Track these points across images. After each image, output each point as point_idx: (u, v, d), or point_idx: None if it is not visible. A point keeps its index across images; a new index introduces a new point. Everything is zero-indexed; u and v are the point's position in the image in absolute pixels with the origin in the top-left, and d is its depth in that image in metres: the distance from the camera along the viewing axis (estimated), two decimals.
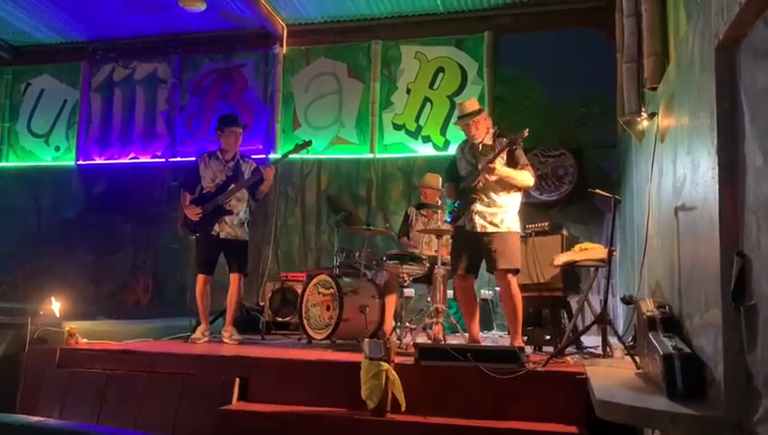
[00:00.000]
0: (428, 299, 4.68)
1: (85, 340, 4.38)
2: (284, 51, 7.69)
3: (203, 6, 6.20)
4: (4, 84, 8.61)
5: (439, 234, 4.67)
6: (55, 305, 4.32)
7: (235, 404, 3.64)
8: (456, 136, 7.09)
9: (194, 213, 5.00)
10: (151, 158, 7.98)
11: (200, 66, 8.03)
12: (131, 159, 8.04)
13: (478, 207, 4.11)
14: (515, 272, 4.13)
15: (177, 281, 7.52)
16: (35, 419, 1.39)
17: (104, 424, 3.83)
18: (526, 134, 3.97)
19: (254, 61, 7.88)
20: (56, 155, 8.34)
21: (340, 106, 7.57)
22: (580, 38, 6.76)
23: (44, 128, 8.44)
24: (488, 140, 4.24)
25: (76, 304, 5.31)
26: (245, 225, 5.19)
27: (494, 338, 5.59)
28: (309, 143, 5.22)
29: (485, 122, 4.29)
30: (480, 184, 4.10)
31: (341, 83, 7.60)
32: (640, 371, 3.06)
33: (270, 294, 6.12)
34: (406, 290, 5.25)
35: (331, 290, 4.85)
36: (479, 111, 4.26)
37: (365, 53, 7.57)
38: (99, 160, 8.16)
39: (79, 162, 8.21)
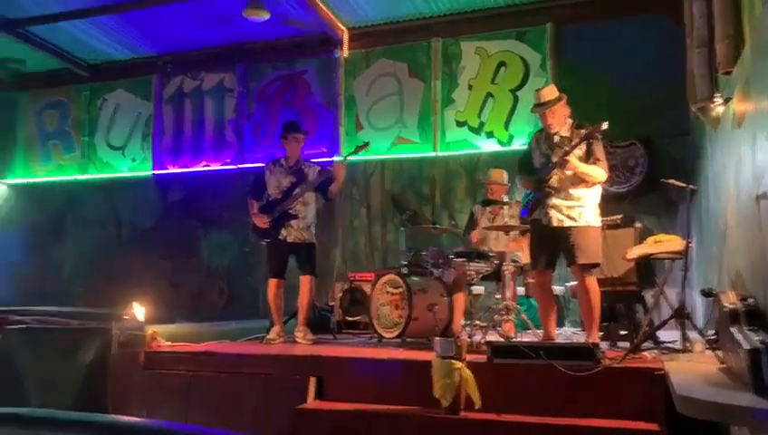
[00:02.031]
0: (498, 296, 4.65)
1: (168, 342, 4.58)
2: (345, 54, 7.79)
3: (267, 16, 6.36)
4: (82, 101, 9.07)
5: (507, 230, 4.63)
6: (138, 310, 4.53)
7: (312, 403, 3.73)
8: (521, 130, 7.02)
9: (261, 220, 5.15)
10: (222, 165, 8.25)
11: (265, 74, 8.24)
12: (203, 166, 8.33)
13: (554, 200, 4.01)
14: (595, 267, 4.03)
15: (249, 284, 7.74)
16: (131, 419, 1.49)
17: (189, 424, 4.01)
18: (604, 127, 3.84)
19: (317, 66, 8.01)
20: (133, 166, 8.72)
21: (402, 106, 7.60)
22: (645, 25, 6.55)
23: (121, 140, 8.84)
24: (565, 132, 4.11)
25: (155, 308, 5.55)
26: (312, 228, 5.30)
27: (567, 335, 5.50)
28: (367, 144, 5.31)
29: (563, 112, 4.13)
30: (555, 177, 4.02)
31: (402, 83, 7.64)
32: (724, 365, 2.96)
33: (340, 295, 6.23)
34: (474, 287, 5.24)
35: (400, 289, 4.90)
36: (557, 100, 4.11)
37: (425, 51, 7.58)
38: (172, 169, 8.49)
39: (154, 172, 8.57)
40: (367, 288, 5.87)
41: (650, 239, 4.35)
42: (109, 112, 8.95)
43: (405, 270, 5.20)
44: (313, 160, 5.91)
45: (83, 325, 5.03)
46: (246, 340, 5.18)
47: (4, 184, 9.25)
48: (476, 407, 3.25)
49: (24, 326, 5.08)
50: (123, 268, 8.38)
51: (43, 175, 9.15)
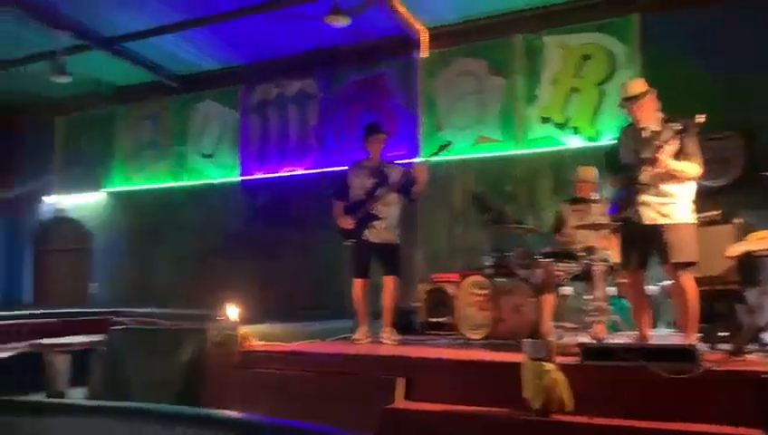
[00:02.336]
0: (587, 297, 4.53)
1: (260, 342, 4.74)
2: (424, 55, 7.80)
3: (347, 21, 6.47)
4: (174, 111, 9.52)
5: (596, 228, 4.50)
6: (232, 311, 4.70)
7: (400, 403, 3.76)
8: (608, 125, 6.79)
9: (346, 222, 5.24)
10: (305, 169, 8.44)
11: (345, 79, 8.38)
12: (288, 171, 8.56)
13: (645, 196, 3.86)
14: (691, 266, 3.86)
15: (334, 284, 7.87)
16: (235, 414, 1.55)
17: None
18: (700, 120, 3.66)
19: (396, 68, 8.07)
20: (222, 172, 9.08)
21: (483, 104, 7.53)
22: (737, 9, 6.19)
23: (210, 148, 9.22)
24: (655, 126, 3.94)
25: (246, 309, 5.75)
26: (395, 228, 5.34)
27: (663, 336, 5.27)
28: (448, 144, 5.31)
29: (653, 106, 3.98)
30: (645, 173, 3.87)
31: (482, 81, 7.57)
32: None
33: (423, 295, 6.24)
34: (562, 288, 5.12)
35: (486, 290, 4.86)
36: (646, 93, 3.96)
37: (505, 48, 7.48)
38: (259, 175, 8.77)
39: (242, 177, 8.88)
40: (451, 289, 5.86)
41: (753, 236, 4.11)
42: (198, 122, 9.35)
43: (490, 271, 5.15)
44: (398, 161, 5.97)
45: (181, 326, 5.27)
46: (334, 340, 5.27)
47: (105, 192, 9.82)
48: (568, 410, 3.18)
49: (125, 327, 5.39)
50: (215, 271, 8.72)
51: (140, 183, 9.67)
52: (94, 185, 9.86)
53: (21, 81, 9.42)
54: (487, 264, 5.26)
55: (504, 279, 5.07)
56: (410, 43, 7.79)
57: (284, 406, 4.22)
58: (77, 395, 6.34)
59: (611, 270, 4.74)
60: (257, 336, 4.80)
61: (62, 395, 6.26)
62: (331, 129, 8.42)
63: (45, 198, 10.24)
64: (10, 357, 6.89)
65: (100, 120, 10.04)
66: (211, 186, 9.12)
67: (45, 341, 6.59)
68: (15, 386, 6.29)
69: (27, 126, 10.72)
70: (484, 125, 7.49)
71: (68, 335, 7.26)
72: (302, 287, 8.27)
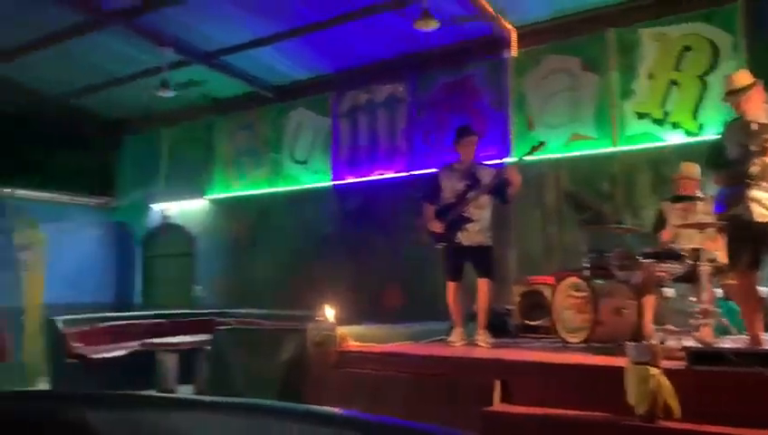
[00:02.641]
0: (692, 299, 4.33)
1: (355, 343, 4.85)
2: (514, 54, 7.71)
3: (436, 25, 6.50)
4: (269, 120, 9.88)
5: (702, 227, 4.30)
6: (329, 312, 4.84)
7: (497, 406, 3.75)
8: (711, 119, 6.46)
9: (437, 225, 5.27)
10: (395, 172, 8.54)
11: (434, 82, 8.40)
12: (378, 175, 8.69)
13: (755, 192, 3.67)
14: None
15: (426, 286, 7.91)
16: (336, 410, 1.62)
17: None
18: None
19: (485, 69, 8.01)
20: (315, 177, 9.33)
21: (576, 101, 7.35)
22: None
23: (304, 154, 9.50)
24: (764, 118, 3.76)
25: (339, 310, 5.89)
26: (488, 231, 5.32)
27: None
28: (542, 144, 5.23)
29: (760, 98, 3.80)
30: (755, 167, 3.67)
31: (575, 78, 7.39)
32: None
33: (518, 298, 6.16)
34: (665, 290, 4.92)
35: (584, 292, 4.74)
36: (752, 85, 3.80)
37: (598, 43, 7.26)
38: (350, 179, 8.95)
39: (334, 182, 9.09)
40: (546, 291, 5.76)
41: None
42: (292, 129, 9.65)
43: (587, 272, 5.02)
44: (489, 162, 5.95)
45: (282, 326, 5.48)
46: (428, 342, 5.31)
47: (207, 199, 10.32)
48: (675, 416, 3.06)
49: (229, 327, 5.65)
50: (309, 273, 8.97)
51: (238, 189, 10.09)
52: (197, 192, 10.38)
53: (130, 96, 10.08)
54: (585, 265, 5.14)
55: (603, 281, 4.93)
56: (499, 43, 7.72)
57: (380, 406, 4.29)
58: (185, 392, 6.72)
59: (718, 271, 4.52)
60: (354, 337, 4.91)
61: (171, 392, 6.65)
62: (420, 132, 8.47)
63: (153, 206, 10.88)
64: (124, 355, 7.40)
65: (201, 131, 10.57)
66: (305, 191, 9.38)
67: (156, 340, 7.02)
68: (128, 382, 6.75)
69: (136, 138, 11.44)
70: (578, 123, 7.31)
71: (175, 335, 7.70)
72: (394, 289, 8.36)
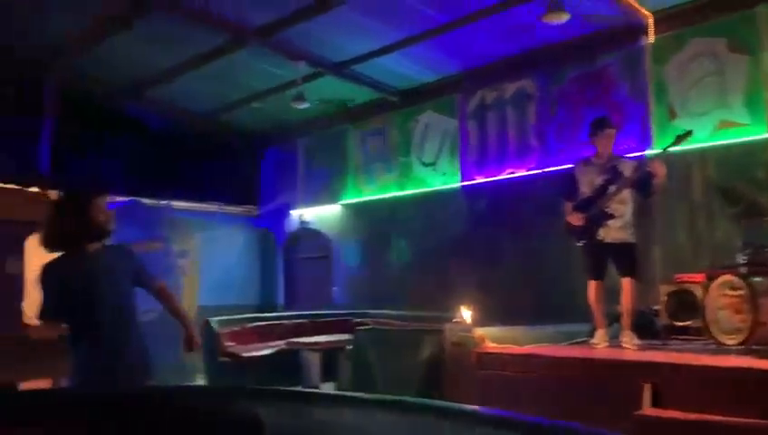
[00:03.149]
0: None
1: (493, 344, 4.83)
2: (652, 41, 7.31)
3: (566, 17, 6.31)
4: (397, 125, 10.07)
5: None
6: (466, 313, 4.86)
7: (648, 410, 3.58)
8: None
9: (576, 221, 5.11)
10: (527, 171, 8.38)
11: (565, 75, 8.16)
12: (509, 174, 8.58)
13: None
14: None
15: (562, 287, 7.69)
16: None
17: None
18: None
19: (620, 58, 7.66)
20: (443, 179, 9.37)
21: (723, 86, 6.83)
22: None
23: (432, 157, 9.58)
24: None
25: (474, 312, 5.88)
26: (631, 227, 5.09)
27: None
28: (689, 133, 4.92)
29: None
30: None
31: (721, 61, 6.86)
32: None
33: (665, 297, 5.83)
34: None
35: (740, 291, 4.41)
36: None
37: (747, 21, 6.70)
38: (479, 180, 8.90)
39: (462, 183, 9.09)
40: (696, 290, 5.41)
41: None
42: (420, 132, 9.77)
43: (744, 269, 4.66)
44: (629, 155, 5.70)
45: (419, 327, 5.57)
46: (569, 343, 5.18)
47: (341, 204, 10.70)
48: None
49: (369, 327, 5.83)
50: (441, 274, 9.03)
51: (370, 194, 10.36)
52: (331, 197, 10.80)
53: (269, 109, 10.69)
54: (740, 261, 4.77)
55: (762, 278, 4.55)
56: (634, 30, 7.35)
57: (521, 409, 4.25)
58: (328, 389, 7.01)
59: None
60: (490, 338, 4.90)
61: (315, 389, 6.97)
62: (552, 127, 8.25)
63: (292, 212, 11.45)
64: (270, 354, 7.84)
65: (333, 139, 10.98)
66: (434, 193, 9.45)
67: (300, 340, 7.39)
68: (275, 380, 7.15)
69: (276, 149, 12.10)
70: (726, 109, 6.78)
71: (317, 335, 8.05)
72: (528, 290, 8.20)
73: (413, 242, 9.65)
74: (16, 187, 7.94)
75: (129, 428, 1.82)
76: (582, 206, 5.13)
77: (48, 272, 3.08)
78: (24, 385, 6.76)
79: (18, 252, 8.54)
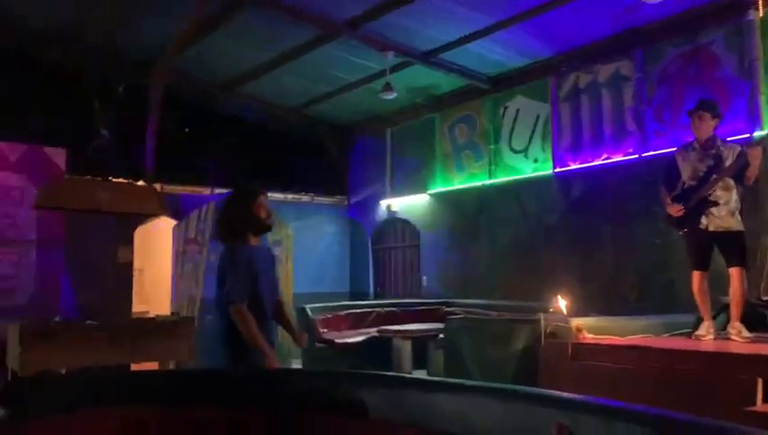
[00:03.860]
0: None
1: (590, 335, 4.70)
2: (761, 14, 6.82)
3: None
4: (486, 112, 9.93)
5: None
6: (562, 303, 4.76)
7: (762, 406, 3.39)
8: None
9: (676, 210, 4.88)
10: (624, 156, 8.06)
11: (664, 54, 7.76)
12: (604, 159, 8.28)
13: None
14: None
15: (662, 277, 7.38)
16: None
17: None
18: None
19: (724, 35, 7.20)
20: (535, 166, 9.17)
21: None
22: None
23: (523, 144, 9.39)
24: None
25: (569, 301, 5.74)
26: (737, 214, 4.81)
27: None
28: None
29: None
30: None
31: None
32: None
33: None
34: None
35: None
36: None
37: None
38: (573, 166, 8.65)
39: (555, 170, 8.85)
40: None
41: None
42: (510, 119, 9.59)
43: None
44: (729, 139, 5.37)
45: (513, 317, 5.50)
46: (670, 335, 4.96)
47: (429, 193, 10.70)
48: None
49: (461, 316, 5.82)
50: (533, 264, 8.89)
51: (459, 183, 10.29)
52: (419, 187, 10.82)
53: (357, 101, 10.84)
54: None
55: None
56: (741, 4, 6.90)
57: (621, 401, 4.12)
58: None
59: None
60: (588, 329, 4.77)
61: None
62: (650, 110, 7.88)
63: (381, 202, 11.57)
64: (363, 341, 7.99)
65: (420, 128, 10.98)
66: (525, 180, 9.27)
67: (391, 327, 7.48)
68: (367, 366, 7.28)
69: (364, 140, 12.25)
70: None
71: (407, 323, 8.13)
72: (625, 279, 7.92)
73: (504, 231, 9.52)
74: (125, 181, 8.44)
75: (256, 403, 1.92)
76: (683, 195, 4.89)
77: (244, 254, 3.36)
78: (135, 367, 7.23)
79: (128, 242, 9.17)
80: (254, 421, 1.93)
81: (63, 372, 6.33)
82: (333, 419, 1.88)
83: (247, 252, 3.39)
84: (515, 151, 9.52)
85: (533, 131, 9.24)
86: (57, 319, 6.52)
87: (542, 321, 4.69)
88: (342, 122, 12.11)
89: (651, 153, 7.64)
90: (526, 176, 9.29)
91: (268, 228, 3.54)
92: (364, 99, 10.62)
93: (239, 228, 3.41)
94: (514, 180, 9.44)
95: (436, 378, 1.84)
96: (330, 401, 1.84)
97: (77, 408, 1.80)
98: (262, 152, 11.65)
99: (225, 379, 2.14)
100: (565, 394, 1.68)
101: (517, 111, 9.52)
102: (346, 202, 12.27)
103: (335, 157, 12.35)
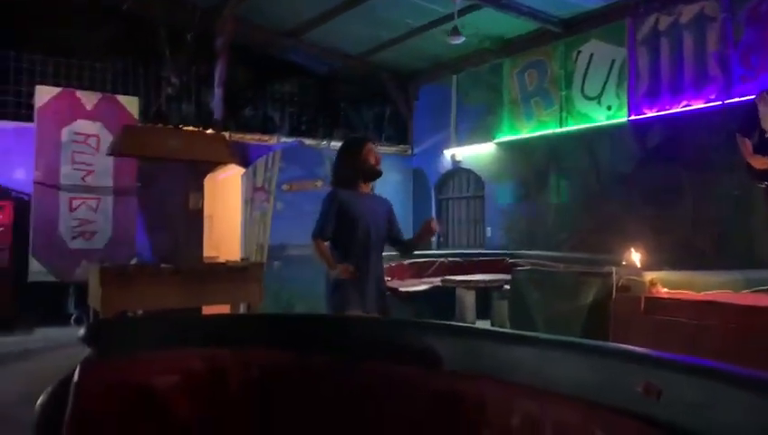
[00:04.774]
0: None
1: (665, 289, 4.53)
2: None
3: None
4: (558, 56, 9.53)
5: None
6: (635, 256, 4.58)
7: None
8: None
9: (759, 161, 4.58)
10: (705, 103, 7.60)
11: None
12: (683, 107, 7.84)
13: None
14: None
15: (742, 231, 7.03)
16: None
17: None
18: None
19: None
20: (609, 114, 8.79)
21: None
22: None
23: (596, 90, 8.99)
24: None
25: (643, 255, 5.53)
26: None
27: None
28: None
29: None
30: None
31: None
32: None
33: None
34: None
35: None
36: None
37: None
38: (650, 114, 8.23)
39: (630, 118, 8.46)
40: None
41: None
42: (583, 64, 9.18)
43: None
44: None
45: (585, 270, 5.36)
46: (752, 291, 4.72)
47: (495, 142, 10.46)
48: None
49: (529, 268, 5.72)
50: (604, 216, 8.61)
51: (527, 131, 10.00)
52: (486, 136, 10.58)
53: (422, 47, 10.60)
54: None
55: None
56: None
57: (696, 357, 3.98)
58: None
59: None
60: (662, 283, 4.59)
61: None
62: (736, 54, 7.36)
63: (445, 151, 11.41)
64: (426, 290, 8.00)
65: (487, 75, 10.67)
66: (598, 128, 8.91)
67: (455, 277, 7.46)
68: (431, 315, 7.30)
69: (429, 87, 12.02)
70: None
71: (470, 274, 8.08)
72: (702, 234, 7.59)
73: (574, 181, 9.24)
74: (195, 129, 8.62)
75: (326, 348, 1.93)
76: (762, 145, 4.57)
77: (332, 198, 3.54)
78: (206, 310, 7.51)
79: (198, 189, 9.41)
80: (324, 367, 1.93)
81: (140, 312, 6.64)
82: (405, 368, 1.86)
83: (338, 196, 3.53)
84: (588, 98, 9.14)
85: (608, 77, 8.83)
86: (133, 262, 6.82)
87: (614, 274, 4.54)
88: (406, 70, 11.91)
89: (736, 100, 7.18)
90: (599, 124, 8.92)
91: (378, 174, 3.66)
92: (429, 45, 10.38)
93: (350, 176, 3.59)
94: (586, 129, 9.09)
95: (513, 331, 1.79)
96: (402, 351, 1.82)
97: (160, 347, 1.85)
98: (325, 101, 11.64)
99: (293, 323, 2.16)
100: (653, 352, 1.60)
101: (591, 55, 9.09)
102: (409, 151, 12.17)
103: (399, 105, 12.21)
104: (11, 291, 8.17)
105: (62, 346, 6.84)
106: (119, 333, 1.93)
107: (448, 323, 1.99)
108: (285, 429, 1.91)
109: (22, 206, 8.50)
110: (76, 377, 1.61)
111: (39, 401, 1.65)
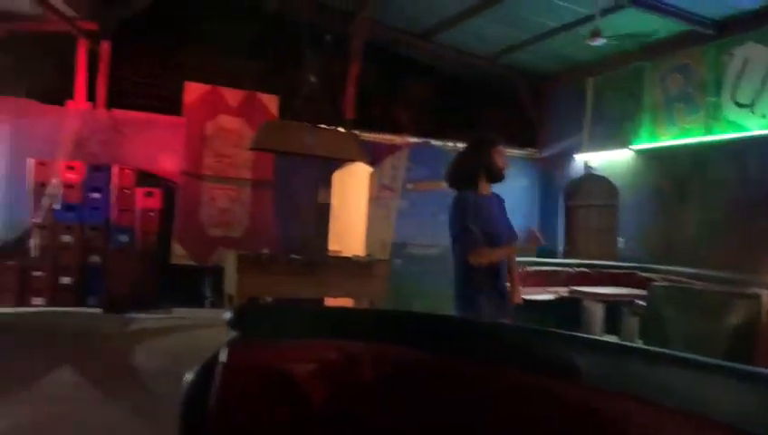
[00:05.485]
0: None
1: None
2: None
3: None
4: (706, 60, 8.87)
5: None
6: None
7: None
8: None
9: None
10: None
11: None
12: None
13: None
14: None
15: None
16: None
17: None
18: None
19: None
20: (764, 123, 8.07)
21: None
22: None
23: (749, 97, 8.28)
24: None
25: None
26: None
27: None
28: None
29: None
30: None
31: None
32: None
33: None
34: None
35: None
36: None
37: None
38: None
39: None
40: None
41: None
42: (736, 69, 8.48)
43: None
44: None
45: (730, 290, 4.98)
46: None
47: (632, 149, 9.93)
48: None
49: (668, 284, 5.38)
50: (752, 233, 7.91)
51: (668, 139, 9.40)
52: (622, 142, 10.07)
53: (555, 49, 10.28)
54: None
55: None
56: None
57: None
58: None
59: None
60: None
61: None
62: None
63: (576, 156, 11.00)
64: (552, 300, 7.76)
65: (626, 78, 10.15)
66: (750, 139, 8.19)
67: (584, 289, 7.17)
68: (555, 326, 7.06)
69: (560, 90, 11.64)
70: None
71: (599, 286, 7.74)
72: None
73: (720, 195, 8.56)
74: (327, 127, 8.90)
75: (461, 351, 1.92)
76: None
77: (464, 205, 3.40)
78: (329, 301, 7.74)
79: (327, 184, 9.73)
80: (459, 370, 1.92)
81: (270, 299, 6.96)
82: (544, 379, 1.80)
83: (470, 200, 3.41)
84: (740, 105, 8.44)
85: (764, 83, 8.10)
86: (266, 251, 7.17)
87: (765, 296, 4.17)
88: (538, 71, 11.60)
89: None
90: (752, 134, 8.20)
91: (502, 177, 3.56)
92: (564, 46, 10.04)
93: (474, 174, 3.48)
94: (737, 138, 8.38)
95: (667, 350, 1.67)
96: (541, 361, 1.76)
97: (298, 335, 1.91)
98: (454, 102, 11.61)
99: (430, 322, 2.16)
100: None
101: (745, 59, 8.38)
102: (538, 155, 11.85)
103: (529, 107, 11.92)
104: (156, 272, 8.88)
105: (197, 326, 7.33)
106: (261, 319, 2.02)
107: (593, 336, 1.90)
108: (414, 427, 1.91)
109: (169, 193, 9.21)
110: (225, 357, 1.70)
111: (186, 378, 1.75)
